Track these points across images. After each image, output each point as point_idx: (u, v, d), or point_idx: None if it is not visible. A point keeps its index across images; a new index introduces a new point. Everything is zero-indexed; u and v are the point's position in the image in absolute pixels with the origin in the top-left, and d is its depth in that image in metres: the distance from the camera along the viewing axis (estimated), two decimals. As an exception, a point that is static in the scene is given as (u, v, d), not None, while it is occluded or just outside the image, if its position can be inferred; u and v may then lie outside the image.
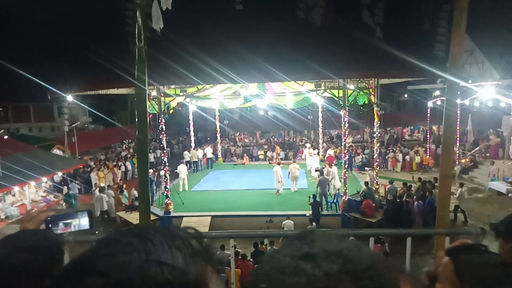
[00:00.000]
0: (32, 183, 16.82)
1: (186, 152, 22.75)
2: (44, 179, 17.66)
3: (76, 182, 19.00)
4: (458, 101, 17.97)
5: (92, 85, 14.68)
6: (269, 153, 25.95)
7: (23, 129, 36.61)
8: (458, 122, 17.64)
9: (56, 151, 24.25)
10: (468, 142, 23.32)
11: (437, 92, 28.79)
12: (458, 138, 20.19)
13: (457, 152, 20.85)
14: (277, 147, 26.43)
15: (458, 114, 17.14)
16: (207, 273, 0.52)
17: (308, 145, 23.38)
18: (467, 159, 21.18)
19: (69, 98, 19.54)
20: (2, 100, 34.61)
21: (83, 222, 1.76)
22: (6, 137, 21.97)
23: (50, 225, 1.63)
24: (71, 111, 29.83)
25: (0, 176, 14.70)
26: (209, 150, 23.28)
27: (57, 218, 1.66)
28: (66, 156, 23.34)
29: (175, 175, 18.40)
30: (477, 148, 22.04)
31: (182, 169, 18.16)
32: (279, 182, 16.33)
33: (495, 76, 23.33)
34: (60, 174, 18.73)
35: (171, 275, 0.47)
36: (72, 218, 1.73)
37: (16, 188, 16.24)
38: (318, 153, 21.49)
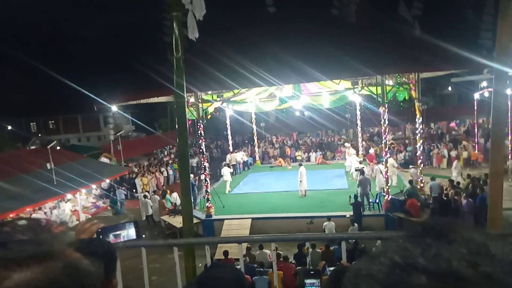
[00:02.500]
0: (83, 190, 17.86)
1: (228, 156, 23.11)
2: (94, 186, 18.70)
3: (123, 188, 19.92)
4: (509, 91, 16.83)
5: (134, 95, 15.36)
6: (305, 154, 25.76)
7: (73, 139, 39.05)
8: (510, 114, 16.53)
9: (103, 159, 25.56)
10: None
11: (484, 83, 27.14)
12: (510, 131, 18.90)
13: (510, 146, 19.52)
14: (287, 148, 26.07)
15: (510, 106, 16.07)
16: None
17: (347, 144, 22.93)
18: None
19: (114, 108, 20.53)
20: (54, 113, 37.11)
21: (131, 232, 1.87)
22: (58, 147, 23.49)
23: (101, 236, 1.75)
24: (115, 121, 31.40)
25: (55, 184, 15.76)
26: (239, 155, 23.43)
27: (107, 229, 1.79)
28: (113, 163, 24.54)
29: (215, 179, 18.77)
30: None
31: (226, 171, 18.64)
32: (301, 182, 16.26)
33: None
34: (107, 181, 19.73)
35: None
36: (121, 230, 1.85)
37: (68, 195, 17.31)
38: (357, 153, 21.02)
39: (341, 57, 11.79)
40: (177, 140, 5.50)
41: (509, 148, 19.39)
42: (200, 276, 1.18)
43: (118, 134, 26.48)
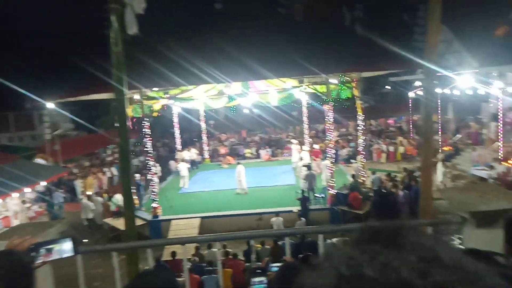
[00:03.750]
0: (15, 194, 16.44)
1: (177, 154, 22.51)
2: (28, 189, 17.29)
3: (61, 191, 18.66)
4: (439, 90, 18.30)
5: (72, 92, 14.43)
6: (254, 151, 26.02)
7: (3, 139, 35.73)
8: (439, 111, 17.98)
9: (39, 160, 23.75)
10: (450, 130, 23.80)
11: (418, 83, 29.25)
12: (440, 127, 20.59)
13: (440, 140, 21.26)
14: (229, 158, 25.74)
15: (439, 103, 17.48)
16: None
17: (294, 141, 23.51)
18: (449, 147, 21.63)
19: (50, 105, 19.13)
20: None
21: (66, 247, 1.73)
22: (-15, 148, 21.41)
23: (32, 253, 1.61)
24: (52, 119, 29.24)
25: (-19, 189, 14.32)
26: (186, 153, 22.99)
27: (40, 245, 1.65)
28: (49, 164, 22.88)
29: (162, 178, 18.26)
30: (459, 135, 22.53)
31: (183, 167, 18.61)
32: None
33: (473, 65, 23.84)
34: (44, 183, 18.35)
35: None
36: (54, 244, 1.71)
37: (-2, 200, 15.84)
38: (301, 149, 21.63)
39: (289, 55, 12.02)
40: (118, 139, 5.24)
41: (439, 142, 21.13)
42: (132, 284, 1.12)
43: (55, 133, 24.75)
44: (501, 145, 16.86)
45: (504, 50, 16.76)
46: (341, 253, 0.47)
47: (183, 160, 20.37)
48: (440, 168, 15.42)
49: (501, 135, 17.04)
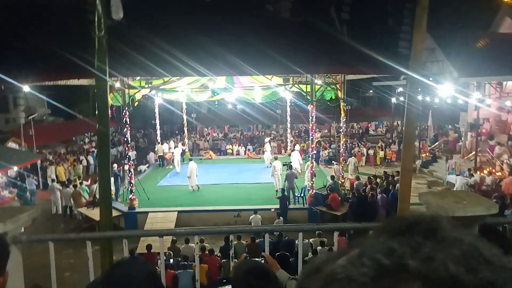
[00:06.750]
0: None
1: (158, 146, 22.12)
2: (-2, 174, 16.65)
3: (34, 177, 18.04)
4: (420, 97, 18.67)
5: (51, 75, 13.90)
6: (236, 148, 25.88)
7: (-26, 121, 34.25)
8: (419, 118, 18.33)
9: (12, 144, 22.89)
10: (429, 137, 24.36)
11: (401, 89, 29.82)
12: (417, 133, 21.04)
13: (418, 146, 21.73)
14: (210, 152, 25.63)
15: (420, 110, 17.81)
16: None
17: (267, 139, 23.72)
18: (427, 153, 22.14)
19: (26, 88, 18.43)
20: None
21: None
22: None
23: None
24: (27, 102, 28.23)
25: None
26: (166, 146, 22.71)
27: None
28: (23, 149, 22.08)
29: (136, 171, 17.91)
30: (437, 143, 23.09)
31: (177, 152, 19.82)
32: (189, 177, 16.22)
33: (453, 74, 24.45)
34: (15, 168, 17.69)
35: None
36: None
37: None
38: (285, 148, 21.74)
39: (272, 52, 11.97)
40: (97, 126, 5.04)
41: (418, 149, 21.59)
42: (106, 274, 1.03)
43: (30, 117, 23.87)
44: (476, 154, 17.36)
45: (484, 62, 17.24)
46: (377, 244, 0.42)
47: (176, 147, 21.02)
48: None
49: (476, 145, 17.54)
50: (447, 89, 20.56)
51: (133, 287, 0.97)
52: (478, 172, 15.95)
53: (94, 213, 13.25)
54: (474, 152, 17.64)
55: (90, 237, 3.22)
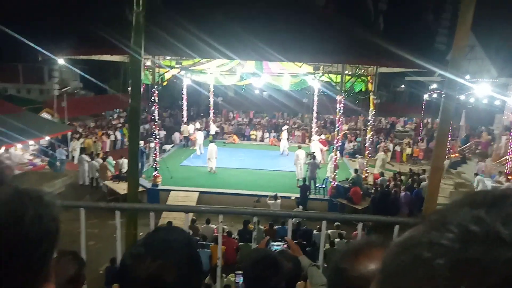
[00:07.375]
0: (19, 146, 16.53)
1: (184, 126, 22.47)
2: (31, 142, 17.36)
3: (64, 148, 18.73)
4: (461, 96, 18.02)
5: (86, 50, 14.23)
6: (260, 134, 25.90)
7: (11, 90, 35.71)
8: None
9: (45, 115, 23.77)
10: (460, 137, 23.52)
11: (434, 85, 28.79)
12: (449, 133, 20.32)
13: (448, 146, 21.03)
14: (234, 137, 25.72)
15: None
16: None
17: (285, 127, 23.62)
18: (456, 154, 21.41)
19: (61, 61, 18.95)
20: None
21: None
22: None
23: None
24: (61, 75, 29.09)
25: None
26: (192, 127, 22.96)
27: None
28: (55, 120, 22.91)
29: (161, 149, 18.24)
30: (468, 144, 22.26)
31: (198, 135, 20.06)
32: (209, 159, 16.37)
33: (492, 73, 23.35)
34: (47, 138, 18.40)
35: None
36: None
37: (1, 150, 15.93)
38: (309, 138, 21.53)
39: (302, 40, 11.78)
40: (130, 101, 5.14)
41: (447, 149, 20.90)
42: (146, 238, 1.07)
43: (63, 90, 24.64)
44: (509, 159, 16.64)
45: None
46: (463, 214, 0.38)
47: (198, 129, 21.39)
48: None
49: (510, 149, 16.79)
50: (484, 88, 19.69)
51: (173, 250, 1.01)
52: (510, 177, 15.32)
53: (119, 187, 13.67)
54: (506, 157, 16.92)
55: (120, 207, 3.35)
